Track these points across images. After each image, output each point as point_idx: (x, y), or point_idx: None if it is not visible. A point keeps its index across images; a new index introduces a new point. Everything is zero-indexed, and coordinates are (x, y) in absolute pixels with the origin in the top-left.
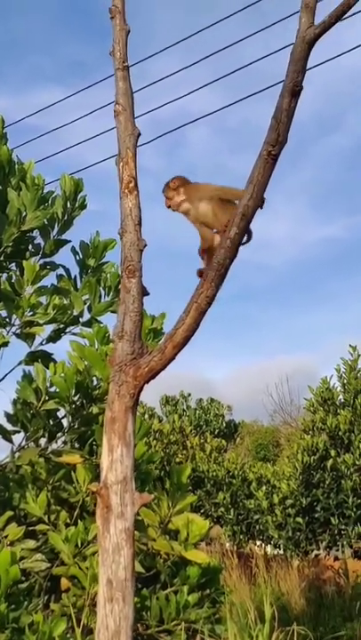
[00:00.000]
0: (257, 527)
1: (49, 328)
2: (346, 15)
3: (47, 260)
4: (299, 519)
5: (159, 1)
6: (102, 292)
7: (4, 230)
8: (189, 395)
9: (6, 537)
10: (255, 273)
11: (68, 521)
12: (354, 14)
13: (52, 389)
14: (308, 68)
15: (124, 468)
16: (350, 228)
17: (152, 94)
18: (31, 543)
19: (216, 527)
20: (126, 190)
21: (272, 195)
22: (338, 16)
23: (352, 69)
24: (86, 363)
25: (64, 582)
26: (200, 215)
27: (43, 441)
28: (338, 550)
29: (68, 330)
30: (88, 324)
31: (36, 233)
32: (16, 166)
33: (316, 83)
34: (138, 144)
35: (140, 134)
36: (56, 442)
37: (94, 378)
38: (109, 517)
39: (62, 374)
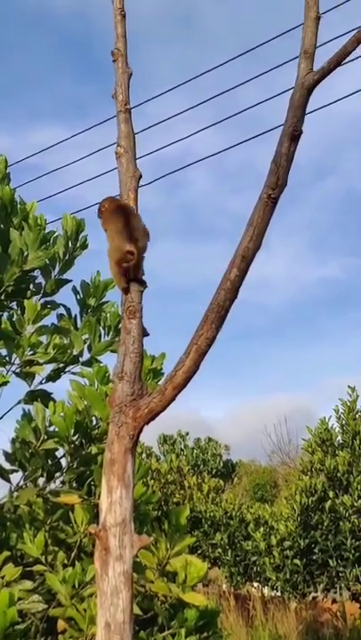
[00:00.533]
0: (254, 569)
1: (49, 367)
2: (344, 62)
3: (48, 299)
4: (297, 561)
5: (158, 39)
6: (102, 332)
7: (5, 270)
8: (187, 434)
9: (3, 577)
10: (253, 312)
11: (66, 562)
12: (352, 60)
13: (52, 429)
14: (306, 112)
15: (123, 510)
16: (347, 268)
17: (153, 133)
18: (28, 584)
19: (214, 569)
20: None
21: (270, 234)
22: (337, 62)
23: (348, 114)
24: (86, 402)
25: (61, 624)
26: None
27: (41, 481)
28: (336, 593)
29: (67, 369)
30: (88, 363)
31: (37, 272)
32: (18, 206)
33: (313, 127)
34: (139, 185)
35: (141, 176)
36: (54, 482)
37: (94, 417)
38: (108, 560)
39: (62, 414)
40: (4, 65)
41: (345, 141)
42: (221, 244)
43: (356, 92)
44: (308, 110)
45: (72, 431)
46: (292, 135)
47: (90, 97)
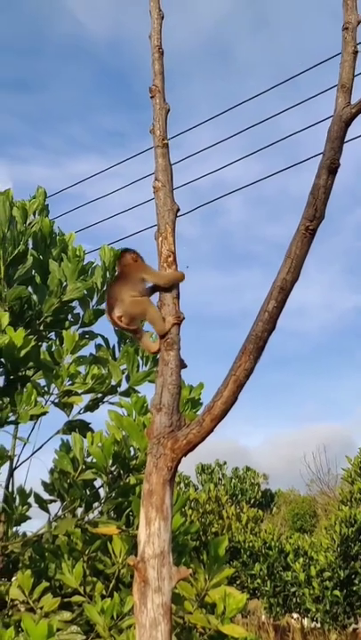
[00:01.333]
0: (294, 599)
1: (87, 397)
2: None
3: (86, 329)
4: (336, 592)
5: (196, 74)
6: (140, 362)
7: (44, 301)
8: (225, 463)
9: (42, 608)
10: (291, 340)
11: (104, 592)
12: None
13: (90, 459)
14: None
15: (161, 542)
16: None
17: (189, 163)
18: (67, 615)
19: (253, 600)
20: (165, 264)
21: (306, 262)
22: None
23: None
24: (124, 433)
25: None
26: None
27: (79, 511)
28: None
29: (105, 399)
30: (126, 393)
31: (75, 303)
32: (57, 237)
33: (352, 153)
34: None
35: (179, 209)
36: (92, 512)
37: (132, 448)
38: (146, 592)
39: (100, 444)
40: (42, 97)
41: None
42: (258, 272)
43: None
44: (351, 138)
45: (110, 462)
46: (330, 168)
47: (127, 128)
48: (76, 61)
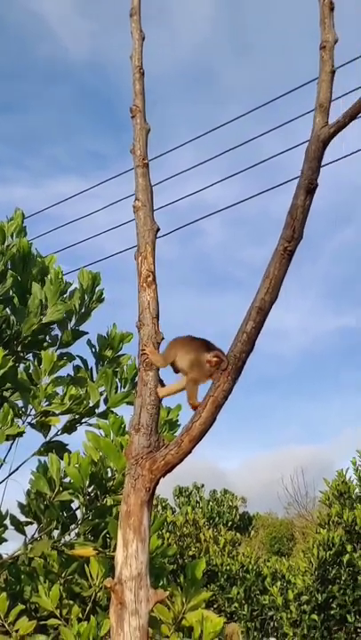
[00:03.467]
0: (271, 624)
1: (64, 418)
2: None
3: (64, 350)
4: (314, 616)
5: (176, 97)
6: (119, 384)
7: (24, 321)
8: (203, 486)
9: (17, 631)
10: (270, 363)
11: (81, 616)
12: None
13: (66, 480)
14: (322, 165)
15: (138, 564)
16: None
17: (168, 184)
18: (42, 638)
19: (232, 624)
20: (144, 284)
21: (286, 285)
22: (352, 116)
23: None
24: (101, 453)
25: None
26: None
27: (56, 533)
28: None
29: (83, 420)
30: (104, 415)
31: (53, 324)
32: (36, 258)
33: (330, 176)
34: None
35: (158, 229)
36: (69, 534)
37: (109, 469)
38: (123, 614)
39: (77, 465)
40: (25, 118)
41: None
42: (237, 295)
43: None
44: (324, 162)
45: (87, 482)
46: (308, 188)
47: (108, 149)
48: (58, 84)
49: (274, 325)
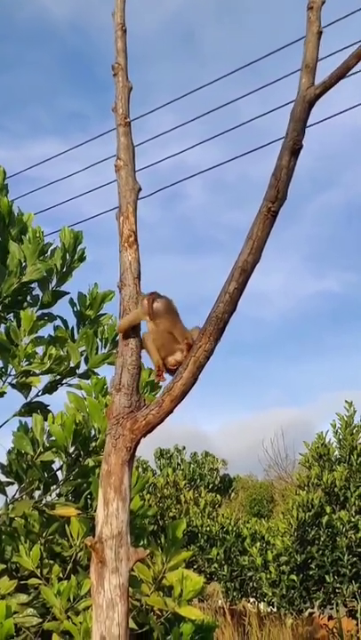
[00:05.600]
0: (250, 584)
1: (45, 379)
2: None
3: (45, 310)
4: (293, 576)
5: (158, 57)
6: (99, 344)
7: (3, 281)
8: (184, 448)
9: None
10: (251, 327)
11: (61, 575)
12: (354, 74)
13: (49, 440)
14: (307, 126)
15: (119, 523)
16: (345, 283)
17: (149, 147)
18: (23, 597)
19: (213, 584)
20: (126, 244)
21: (267, 248)
22: (338, 77)
23: (348, 127)
24: (84, 414)
25: (55, 638)
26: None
27: (37, 493)
28: (332, 609)
29: (64, 381)
30: (85, 375)
31: (34, 284)
32: (16, 217)
33: (313, 139)
34: (138, 198)
35: (140, 189)
36: (50, 494)
37: (92, 429)
38: (103, 573)
39: (60, 424)
40: (5, 80)
41: (345, 154)
42: (219, 258)
43: (358, 105)
44: (309, 123)
45: (70, 441)
46: (293, 149)
47: (89, 110)
48: (39, 45)
49: (255, 289)
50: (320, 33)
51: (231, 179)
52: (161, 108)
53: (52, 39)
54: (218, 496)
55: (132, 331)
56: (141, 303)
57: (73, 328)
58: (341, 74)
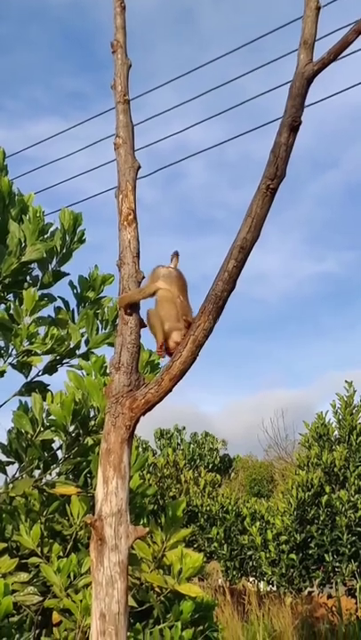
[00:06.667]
0: (250, 563)
1: (45, 359)
2: (345, 52)
3: (45, 291)
4: (292, 555)
5: (159, 35)
6: (99, 325)
7: (3, 261)
8: (184, 428)
9: None
10: (251, 307)
11: (61, 554)
12: (353, 53)
13: (48, 419)
14: (306, 105)
15: (118, 501)
16: (345, 263)
17: (150, 126)
18: (23, 576)
19: (213, 563)
20: (125, 222)
21: (267, 229)
22: (337, 52)
23: (348, 107)
24: (83, 393)
25: (55, 616)
26: None
27: (37, 472)
28: (331, 588)
29: (64, 361)
30: (85, 356)
31: (34, 264)
32: (16, 197)
33: (313, 119)
34: (137, 176)
35: (140, 167)
36: (50, 473)
37: (91, 409)
38: (103, 550)
39: (60, 402)
40: (4, 60)
41: (346, 134)
42: (219, 237)
43: (358, 84)
44: (307, 102)
45: (70, 420)
46: (292, 125)
47: (88, 89)
48: (38, 24)
49: (255, 270)
50: (319, 8)
51: (232, 158)
52: (161, 86)
53: (51, 18)
54: (218, 476)
55: (132, 308)
56: (154, 270)
57: (73, 309)
58: (340, 49)
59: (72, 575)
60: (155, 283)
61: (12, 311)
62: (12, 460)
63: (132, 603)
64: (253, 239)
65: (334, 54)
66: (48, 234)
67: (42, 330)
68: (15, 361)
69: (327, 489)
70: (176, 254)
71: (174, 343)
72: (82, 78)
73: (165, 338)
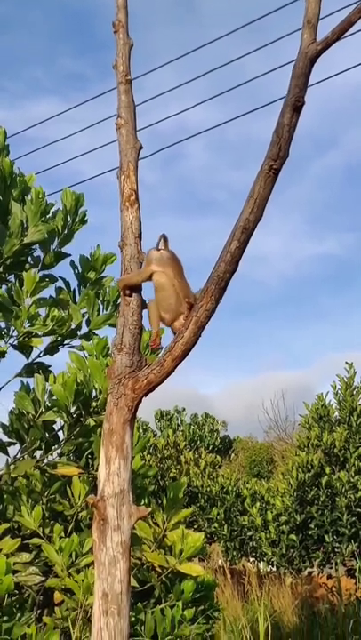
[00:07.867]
0: (250, 544)
1: (46, 340)
2: (348, 32)
3: (46, 272)
4: (292, 536)
5: (160, 16)
6: (101, 306)
7: (4, 242)
8: (184, 410)
9: (0, 550)
10: (251, 288)
11: (63, 534)
12: (357, 32)
13: (50, 400)
14: (309, 85)
15: (121, 481)
16: (346, 245)
17: (150, 107)
18: (25, 556)
19: (213, 545)
20: (127, 203)
21: (268, 210)
22: (341, 32)
23: (349, 87)
24: (85, 374)
25: (57, 596)
26: None
27: (39, 453)
28: (331, 568)
29: (65, 342)
30: (86, 337)
31: (35, 245)
32: (17, 178)
33: (315, 100)
34: (139, 157)
35: (141, 147)
36: (52, 454)
37: (93, 390)
38: (106, 530)
39: (62, 383)
40: (4, 40)
41: (348, 114)
42: (219, 219)
43: (360, 64)
44: (310, 82)
45: (71, 401)
46: (295, 106)
47: (89, 70)
48: (38, 4)
49: (255, 252)
50: None
51: (233, 139)
52: (162, 67)
53: None
54: (218, 457)
55: (133, 289)
56: (147, 253)
57: (74, 290)
58: (344, 29)
59: (74, 555)
60: (149, 266)
61: (12, 292)
62: (14, 440)
63: (133, 583)
64: (256, 220)
65: (338, 34)
66: (50, 214)
67: (43, 311)
68: (16, 342)
69: (327, 470)
70: (164, 237)
71: (180, 325)
72: (82, 59)
73: (170, 325)
